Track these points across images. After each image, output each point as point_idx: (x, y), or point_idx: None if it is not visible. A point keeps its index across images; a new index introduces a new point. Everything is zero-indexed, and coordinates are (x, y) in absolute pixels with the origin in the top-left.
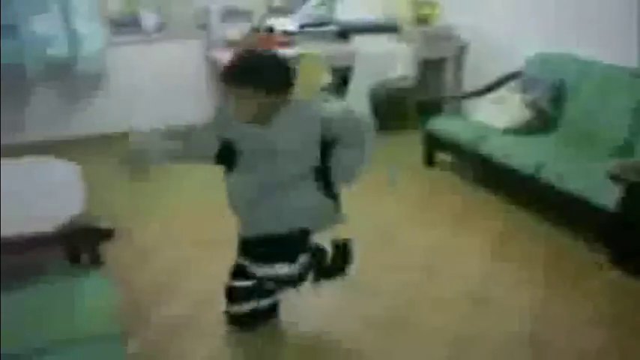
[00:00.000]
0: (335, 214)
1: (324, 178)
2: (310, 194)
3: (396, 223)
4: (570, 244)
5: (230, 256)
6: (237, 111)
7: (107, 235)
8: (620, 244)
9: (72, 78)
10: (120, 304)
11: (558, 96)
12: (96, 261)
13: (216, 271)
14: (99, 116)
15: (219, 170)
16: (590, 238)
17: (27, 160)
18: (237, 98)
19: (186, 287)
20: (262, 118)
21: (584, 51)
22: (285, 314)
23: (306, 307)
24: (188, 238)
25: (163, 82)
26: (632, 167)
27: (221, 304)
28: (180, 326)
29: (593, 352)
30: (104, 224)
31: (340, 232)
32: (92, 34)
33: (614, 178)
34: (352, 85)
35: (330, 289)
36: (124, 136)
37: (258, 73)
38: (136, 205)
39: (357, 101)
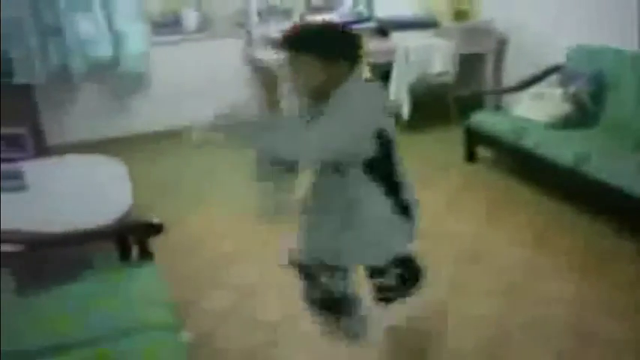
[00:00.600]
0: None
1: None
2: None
3: (440, 216)
4: (610, 236)
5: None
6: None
7: (157, 229)
8: None
9: (116, 78)
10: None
11: (598, 89)
12: (146, 255)
13: (259, 263)
14: (143, 115)
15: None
16: (630, 229)
17: (76, 158)
18: (294, 67)
19: (231, 279)
20: (320, 94)
21: (625, 43)
22: None
23: None
24: (232, 232)
25: (205, 81)
26: None
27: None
28: (228, 316)
29: (628, 340)
30: (154, 219)
31: None
32: (135, 34)
33: None
34: (393, 82)
35: None
36: (167, 134)
37: (318, 38)
38: (182, 200)
39: (398, 97)
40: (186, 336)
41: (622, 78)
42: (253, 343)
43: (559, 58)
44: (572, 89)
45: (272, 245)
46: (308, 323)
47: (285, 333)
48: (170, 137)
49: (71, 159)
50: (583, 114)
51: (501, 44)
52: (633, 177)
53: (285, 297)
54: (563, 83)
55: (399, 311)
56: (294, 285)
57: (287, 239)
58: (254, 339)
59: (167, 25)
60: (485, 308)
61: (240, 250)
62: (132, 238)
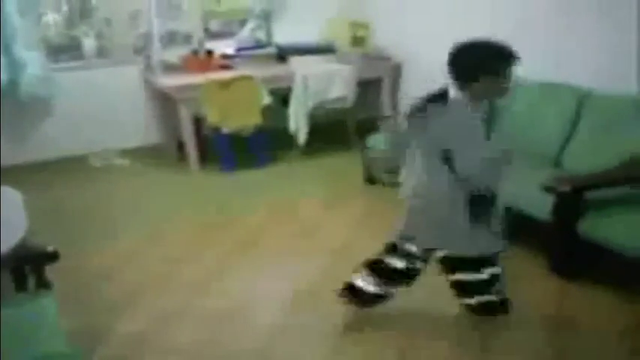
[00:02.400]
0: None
1: None
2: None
3: (348, 239)
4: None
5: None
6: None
7: (52, 257)
8: (556, 253)
9: (16, 105)
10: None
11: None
12: (43, 284)
13: (175, 287)
14: (44, 142)
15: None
16: (531, 247)
17: None
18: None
19: (148, 304)
20: None
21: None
22: None
23: None
24: (143, 257)
25: (105, 106)
26: (562, 179)
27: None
28: (141, 342)
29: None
30: (49, 247)
31: None
32: (32, 60)
33: (548, 189)
34: (291, 107)
35: None
36: (68, 160)
37: None
38: (88, 227)
39: (297, 122)
40: None
41: (512, 103)
42: None
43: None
44: None
45: (185, 268)
46: (220, 349)
47: (196, 358)
48: (71, 163)
49: None
50: None
51: (396, 69)
52: (526, 196)
53: (197, 322)
54: None
55: None
56: (206, 309)
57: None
58: None
59: (66, 52)
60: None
61: (150, 275)
62: (27, 268)
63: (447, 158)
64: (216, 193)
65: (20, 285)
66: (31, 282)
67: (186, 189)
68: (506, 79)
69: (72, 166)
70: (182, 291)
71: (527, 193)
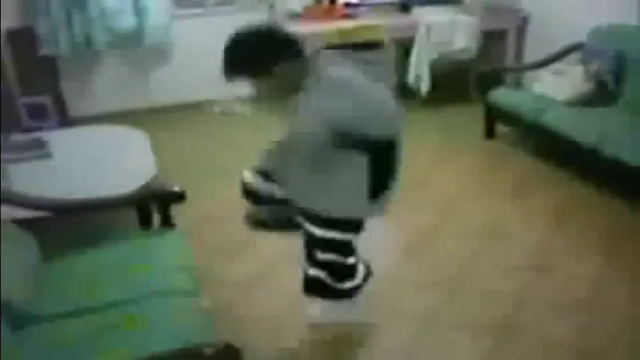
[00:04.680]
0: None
1: None
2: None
3: (459, 193)
4: (628, 215)
5: None
6: None
7: (179, 197)
8: None
9: (139, 51)
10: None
11: (619, 68)
12: (167, 223)
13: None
14: (166, 88)
15: None
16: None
17: (99, 129)
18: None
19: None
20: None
21: None
22: None
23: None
24: None
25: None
26: None
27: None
28: (251, 284)
29: None
30: (176, 187)
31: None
32: (157, 6)
33: None
34: (415, 57)
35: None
36: (189, 106)
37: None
38: (206, 171)
39: (419, 72)
40: (207, 302)
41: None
42: (277, 311)
43: (580, 37)
44: (593, 68)
45: None
46: None
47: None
48: (192, 109)
49: (94, 129)
50: (603, 93)
51: (523, 21)
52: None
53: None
54: (584, 62)
55: None
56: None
57: None
58: (277, 306)
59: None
60: (509, 284)
61: None
62: (154, 207)
63: None
64: None
65: (146, 222)
66: (156, 221)
67: None
68: None
69: (193, 112)
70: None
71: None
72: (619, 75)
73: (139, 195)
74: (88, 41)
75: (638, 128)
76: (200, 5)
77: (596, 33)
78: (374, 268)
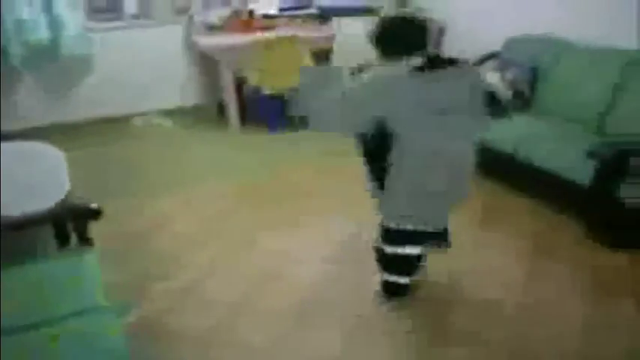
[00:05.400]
0: None
1: None
2: None
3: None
4: (549, 219)
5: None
6: None
7: (95, 214)
8: (595, 218)
9: (59, 63)
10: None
11: (535, 76)
12: (85, 241)
13: (214, 244)
14: (86, 102)
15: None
16: (568, 213)
17: (10, 145)
18: None
19: (187, 261)
20: None
21: (562, 32)
22: None
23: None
24: (184, 215)
25: (146, 67)
26: (607, 144)
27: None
28: (184, 296)
29: (577, 317)
30: (93, 204)
31: None
32: (73, 18)
33: (591, 154)
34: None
35: None
36: (110, 120)
37: None
38: (131, 185)
39: None
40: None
41: (556, 66)
42: (209, 324)
43: (495, 47)
44: (508, 77)
45: (224, 227)
46: (265, 302)
47: (241, 313)
48: (114, 123)
49: (5, 146)
50: (519, 101)
51: (440, 32)
52: (566, 161)
53: (241, 277)
54: (500, 71)
55: None
56: (249, 265)
57: None
58: (210, 319)
59: (107, 12)
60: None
61: (192, 232)
62: (70, 225)
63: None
64: (258, 154)
65: (62, 241)
66: (74, 238)
67: (227, 149)
68: None
69: (114, 126)
70: (219, 248)
71: (568, 157)
72: (534, 83)
73: (53, 213)
74: (5, 56)
75: (553, 134)
76: (118, 18)
77: (511, 43)
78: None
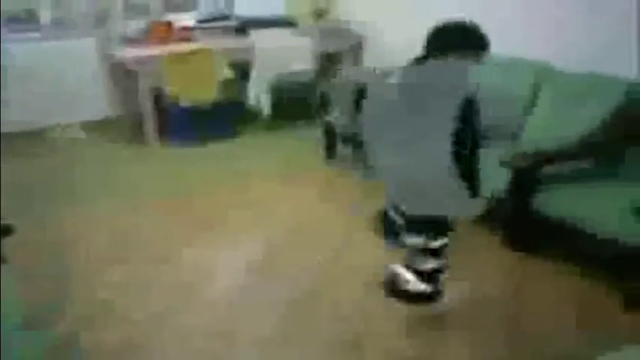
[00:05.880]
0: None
1: None
2: None
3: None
4: (467, 228)
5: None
6: None
7: (6, 231)
8: (510, 227)
9: None
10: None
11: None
12: None
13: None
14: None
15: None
16: (486, 222)
17: None
18: None
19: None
20: None
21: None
22: None
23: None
24: (101, 230)
25: (62, 78)
26: (520, 154)
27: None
28: (97, 314)
29: (490, 320)
30: (3, 222)
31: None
32: None
33: (504, 164)
34: (253, 79)
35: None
36: (24, 134)
37: None
38: (45, 200)
39: (259, 95)
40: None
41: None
42: (121, 341)
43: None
44: None
45: (140, 242)
46: (177, 319)
47: (152, 330)
48: (30, 135)
49: None
50: None
51: (358, 44)
52: (485, 172)
53: (153, 294)
54: None
55: None
56: (162, 282)
57: None
58: (122, 336)
59: (23, 22)
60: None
61: (108, 248)
62: None
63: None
64: (174, 168)
65: None
66: None
67: (143, 163)
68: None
69: (28, 140)
70: (136, 266)
71: (483, 167)
72: None
73: None
74: None
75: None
76: (34, 29)
77: None
78: None
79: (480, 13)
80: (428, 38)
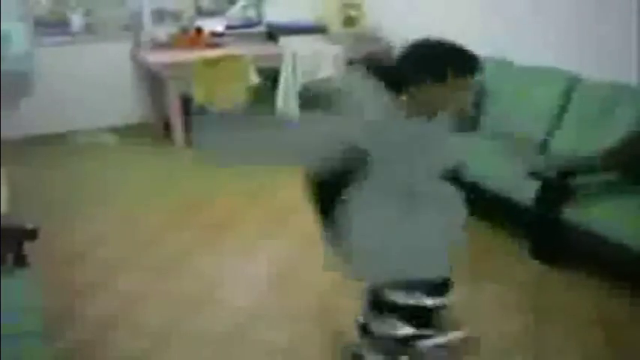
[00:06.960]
0: None
1: None
2: None
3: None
4: (493, 238)
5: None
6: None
7: (31, 235)
8: (538, 238)
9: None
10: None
11: (480, 96)
12: (20, 261)
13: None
14: (28, 118)
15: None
16: (512, 232)
17: None
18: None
19: (118, 286)
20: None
21: (511, 53)
22: None
23: None
24: (118, 237)
25: (91, 84)
26: (549, 164)
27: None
28: (113, 322)
29: (515, 335)
30: (28, 224)
31: None
32: (19, 34)
33: (533, 174)
34: (282, 86)
35: None
36: (52, 137)
37: None
38: (68, 205)
39: (287, 101)
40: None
41: (501, 86)
42: (138, 349)
43: None
44: None
45: (157, 251)
46: (193, 327)
47: (169, 338)
48: (56, 140)
49: None
50: (464, 120)
51: (388, 50)
52: (510, 181)
53: (170, 302)
54: None
55: None
56: (177, 291)
57: None
58: (138, 345)
59: (54, 27)
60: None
61: (125, 256)
62: (5, 245)
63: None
64: (201, 174)
65: None
66: (9, 259)
67: (170, 168)
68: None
69: (56, 143)
70: (152, 274)
71: (511, 177)
72: (479, 103)
73: None
74: None
75: (496, 154)
76: (65, 34)
77: None
78: None
79: (497, 22)
80: (404, 54)
